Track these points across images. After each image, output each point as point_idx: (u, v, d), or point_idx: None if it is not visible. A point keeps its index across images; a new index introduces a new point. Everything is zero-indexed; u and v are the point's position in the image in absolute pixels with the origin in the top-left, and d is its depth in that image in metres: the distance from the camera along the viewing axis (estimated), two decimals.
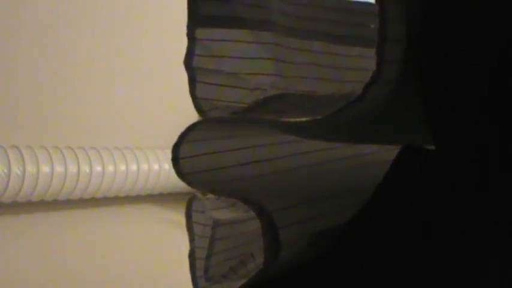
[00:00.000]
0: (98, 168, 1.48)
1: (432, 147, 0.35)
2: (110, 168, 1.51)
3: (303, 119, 0.39)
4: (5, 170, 1.31)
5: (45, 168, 1.38)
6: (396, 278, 0.35)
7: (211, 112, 0.43)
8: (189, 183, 0.42)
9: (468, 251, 0.33)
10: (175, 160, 0.41)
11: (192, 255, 0.49)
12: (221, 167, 0.41)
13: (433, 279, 0.34)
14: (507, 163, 0.29)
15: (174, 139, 0.41)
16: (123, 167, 1.54)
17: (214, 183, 0.42)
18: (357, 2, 0.45)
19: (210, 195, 0.49)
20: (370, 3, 0.43)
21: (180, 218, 0.65)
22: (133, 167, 1.57)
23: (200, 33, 0.41)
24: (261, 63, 0.42)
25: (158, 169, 1.63)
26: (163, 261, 1.27)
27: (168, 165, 1.64)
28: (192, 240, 0.50)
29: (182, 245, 0.55)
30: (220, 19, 0.41)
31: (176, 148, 0.41)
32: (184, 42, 0.43)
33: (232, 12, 0.41)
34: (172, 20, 1.40)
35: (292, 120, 0.41)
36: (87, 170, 1.46)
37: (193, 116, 0.42)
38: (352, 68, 0.44)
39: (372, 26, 0.43)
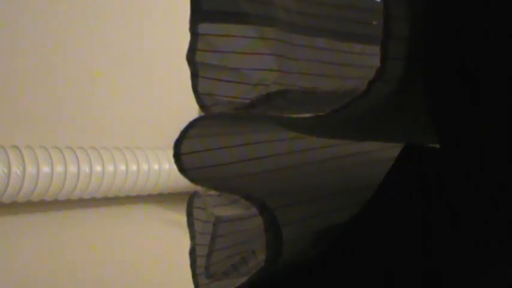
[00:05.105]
0: (98, 168, 1.49)
1: (435, 146, 0.35)
2: (110, 168, 1.51)
3: (306, 116, 0.39)
4: (5, 170, 1.31)
5: (45, 168, 1.38)
6: (397, 276, 0.35)
7: (214, 107, 0.43)
8: (190, 180, 0.42)
9: (467, 251, 0.33)
10: (177, 156, 0.41)
11: (192, 253, 0.49)
12: (223, 163, 0.41)
13: (433, 278, 0.34)
14: (510, 162, 0.30)
15: (174, 139, 0.41)
16: (123, 167, 1.55)
17: (216, 179, 0.42)
18: None
19: (211, 192, 0.49)
20: (372, 0, 0.44)
21: (180, 217, 0.65)
22: (133, 167, 1.57)
23: (203, 28, 0.41)
24: (264, 59, 0.42)
25: (158, 169, 1.63)
26: (163, 261, 1.27)
27: (168, 165, 1.64)
28: (193, 237, 0.49)
29: (182, 244, 0.55)
30: (223, 14, 0.41)
31: (178, 144, 0.41)
32: (184, 42, 0.43)
33: (236, 7, 0.41)
34: (173, 20, 1.40)
35: (295, 116, 0.41)
36: (87, 170, 1.46)
37: (193, 116, 0.42)
38: (355, 64, 0.44)
39: (374, 22, 0.43)
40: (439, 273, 0.34)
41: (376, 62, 0.32)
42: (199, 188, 0.48)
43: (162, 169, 1.64)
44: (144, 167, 1.60)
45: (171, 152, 0.42)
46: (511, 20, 0.29)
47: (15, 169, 1.33)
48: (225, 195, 0.48)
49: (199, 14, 0.41)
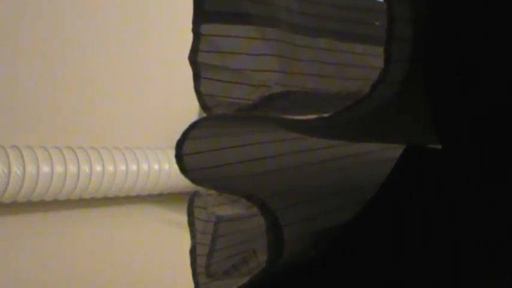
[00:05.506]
0: (98, 168, 1.49)
1: (436, 147, 0.35)
2: (110, 168, 1.51)
3: (309, 117, 0.39)
4: (5, 170, 1.31)
5: (45, 168, 1.38)
6: (397, 276, 0.35)
7: (216, 108, 0.43)
8: (192, 180, 0.42)
9: (467, 250, 0.33)
10: (179, 157, 0.41)
11: (193, 252, 0.49)
12: (225, 164, 0.41)
13: (432, 278, 0.34)
14: (510, 162, 0.30)
15: (174, 139, 0.41)
16: (123, 167, 1.55)
17: (217, 180, 0.42)
18: None
19: (212, 192, 0.49)
20: (374, 1, 0.44)
21: (180, 217, 0.65)
22: (133, 167, 1.57)
23: (205, 28, 0.41)
24: (266, 60, 0.42)
25: (158, 169, 1.63)
26: (163, 261, 1.28)
27: (168, 165, 1.64)
28: (193, 236, 0.50)
29: (182, 244, 0.55)
30: (226, 15, 0.41)
31: (180, 145, 0.41)
32: (185, 42, 0.43)
33: (238, 8, 0.41)
34: (174, 20, 1.40)
35: (298, 118, 0.41)
36: (87, 170, 1.46)
37: (193, 117, 0.42)
38: (357, 65, 0.44)
39: (377, 23, 0.43)
40: (439, 273, 0.34)
41: (378, 62, 0.32)
42: (199, 188, 0.48)
43: (162, 169, 1.64)
44: (144, 167, 1.60)
45: (171, 152, 0.42)
46: (511, 20, 0.29)
47: (15, 169, 1.33)
48: (226, 195, 0.48)
49: (201, 14, 0.41)
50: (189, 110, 1.15)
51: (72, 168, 1.43)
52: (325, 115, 0.35)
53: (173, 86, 1.68)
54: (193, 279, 0.49)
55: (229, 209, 0.48)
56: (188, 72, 0.43)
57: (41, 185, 1.37)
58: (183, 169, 0.41)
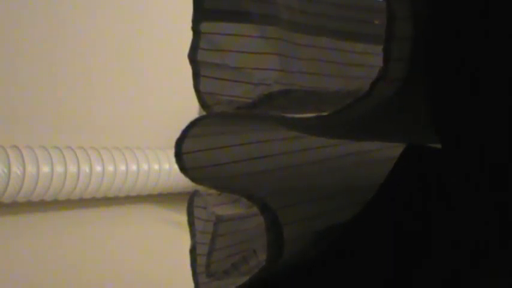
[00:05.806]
0: (98, 168, 1.49)
1: (436, 146, 0.35)
2: (110, 168, 1.51)
3: (309, 116, 0.39)
4: (5, 170, 1.31)
5: (45, 168, 1.38)
6: (397, 276, 0.35)
7: (216, 107, 0.43)
8: (191, 179, 0.42)
9: (467, 251, 0.33)
10: (179, 155, 0.41)
11: (193, 251, 0.49)
12: (224, 162, 0.41)
13: (432, 279, 0.34)
14: (510, 162, 0.30)
15: (174, 139, 0.41)
16: (123, 167, 1.55)
17: (217, 178, 0.42)
18: None
19: (212, 191, 0.49)
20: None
21: (180, 217, 0.65)
22: (133, 167, 1.57)
23: (205, 26, 0.41)
24: (266, 58, 0.42)
25: (158, 169, 1.63)
26: (163, 261, 1.28)
27: (168, 165, 1.64)
28: (193, 236, 0.49)
29: (182, 244, 0.55)
30: (225, 13, 0.41)
31: (179, 143, 0.41)
32: (185, 41, 0.43)
33: (238, 6, 0.41)
34: (174, 19, 1.40)
35: (297, 116, 0.41)
36: (87, 170, 1.46)
37: (193, 116, 0.42)
38: (357, 64, 0.44)
39: (376, 22, 0.43)
40: (439, 274, 0.34)
41: (378, 61, 0.32)
42: (199, 187, 0.48)
43: (162, 169, 1.64)
44: (144, 167, 1.60)
45: (171, 152, 0.42)
46: (511, 20, 0.29)
47: (15, 169, 1.33)
48: (226, 194, 0.48)
49: (201, 12, 0.41)
50: (189, 110, 1.15)
51: (72, 168, 1.43)
52: (325, 113, 0.35)
53: (173, 85, 1.68)
54: (193, 279, 0.49)
55: (229, 208, 0.48)
56: (188, 71, 0.43)
57: (41, 185, 1.38)
58: (183, 168, 0.41)
